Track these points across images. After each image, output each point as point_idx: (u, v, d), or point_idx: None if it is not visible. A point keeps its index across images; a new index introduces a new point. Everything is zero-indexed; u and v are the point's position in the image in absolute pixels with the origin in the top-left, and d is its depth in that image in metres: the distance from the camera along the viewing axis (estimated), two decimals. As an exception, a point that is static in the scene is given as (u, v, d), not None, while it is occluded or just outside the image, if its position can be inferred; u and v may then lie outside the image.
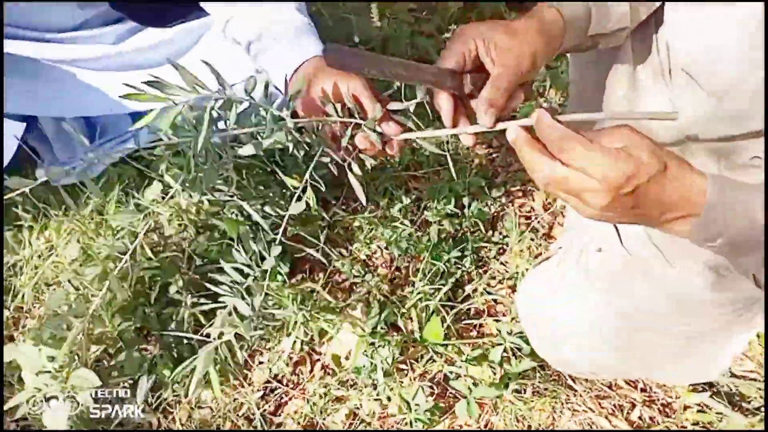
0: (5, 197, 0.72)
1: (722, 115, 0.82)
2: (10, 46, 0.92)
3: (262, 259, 0.80)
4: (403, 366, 1.06)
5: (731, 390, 1.08)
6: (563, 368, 1.04)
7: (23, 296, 1.13)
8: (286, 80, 0.85)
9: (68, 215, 1.18)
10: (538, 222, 1.33)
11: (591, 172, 0.60)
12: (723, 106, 0.81)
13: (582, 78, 1.07)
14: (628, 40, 0.93)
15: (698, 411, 1.04)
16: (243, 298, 0.78)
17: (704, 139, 0.86)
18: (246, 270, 0.79)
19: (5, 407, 0.92)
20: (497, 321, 1.13)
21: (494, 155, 1.44)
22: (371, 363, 1.02)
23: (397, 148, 0.76)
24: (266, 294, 1.05)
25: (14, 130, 0.75)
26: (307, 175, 0.77)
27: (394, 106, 0.76)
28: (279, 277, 1.11)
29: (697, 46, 0.82)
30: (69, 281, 1.04)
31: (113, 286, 0.78)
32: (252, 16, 0.94)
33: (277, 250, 0.79)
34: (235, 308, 0.78)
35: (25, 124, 0.76)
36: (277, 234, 0.79)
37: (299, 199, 0.78)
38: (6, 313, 1.12)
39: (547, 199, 1.38)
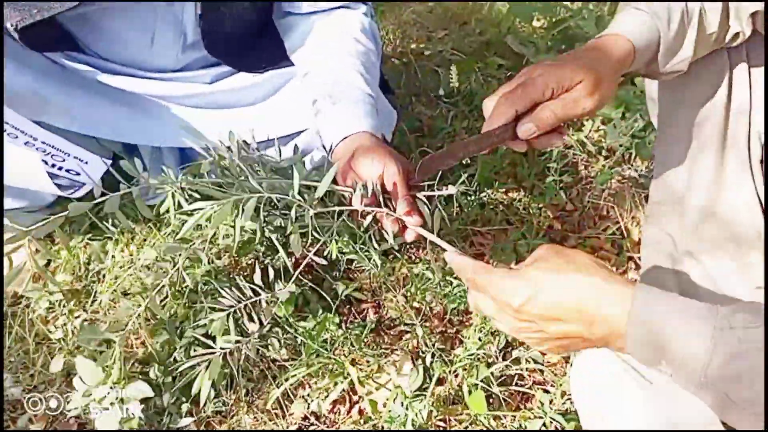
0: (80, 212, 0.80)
1: None
2: (118, 81, 1.03)
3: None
4: (441, 423, 1.05)
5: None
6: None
7: (100, 302, 1.24)
8: (330, 148, 0.90)
9: (151, 233, 1.28)
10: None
11: (491, 295, 0.64)
12: None
13: (668, 155, 1.03)
14: (719, 126, 0.90)
15: None
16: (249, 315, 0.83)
17: None
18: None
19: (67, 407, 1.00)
20: (545, 392, 1.09)
21: (566, 218, 1.41)
22: (406, 415, 1.02)
23: (412, 237, 0.79)
24: (314, 333, 1.09)
25: (98, 167, 0.84)
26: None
27: (422, 194, 0.80)
28: (331, 319, 1.13)
29: None
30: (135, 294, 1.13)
31: (152, 304, 0.84)
32: (322, 76, 1.00)
33: (289, 287, 0.84)
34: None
35: (109, 162, 0.85)
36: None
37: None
38: (84, 314, 1.22)
39: (617, 270, 1.32)
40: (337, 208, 0.81)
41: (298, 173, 0.76)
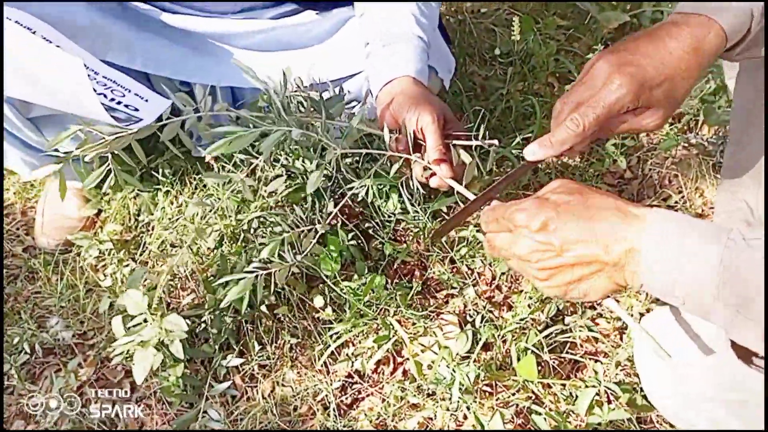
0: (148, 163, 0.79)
1: None
2: (178, 20, 1.02)
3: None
4: (487, 388, 1.02)
5: None
6: (675, 422, 0.93)
7: (149, 252, 1.24)
8: (369, 91, 0.87)
9: (201, 185, 1.27)
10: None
11: (512, 223, 0.63)
12: None
13: (747, 120, 0.95)
14: None
15: None
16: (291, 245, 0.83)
17: None
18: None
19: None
20: (596, 362, 1.05)
21: (624, 186, 1.34)
22: (452, 377, 0.99)
23: (435, 184, 0.79)
24: (360, 292, 1.07)
25: (158, 105, 0.83)
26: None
27: (458, 142, 0.76)
28: (377, 280, 1.11)
29: None
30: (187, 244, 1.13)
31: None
32: (377, 17, 0.96)
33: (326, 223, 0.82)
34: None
35: (170, 102, 0.83)
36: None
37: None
38: (132, 264, 1.24)
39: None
40: (364, 151, 0.78)
41: (328, 112, 0.74)
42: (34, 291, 1.22)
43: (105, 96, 0.80)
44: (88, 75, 0.77)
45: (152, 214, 1.29)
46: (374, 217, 1.18)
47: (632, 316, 1.10)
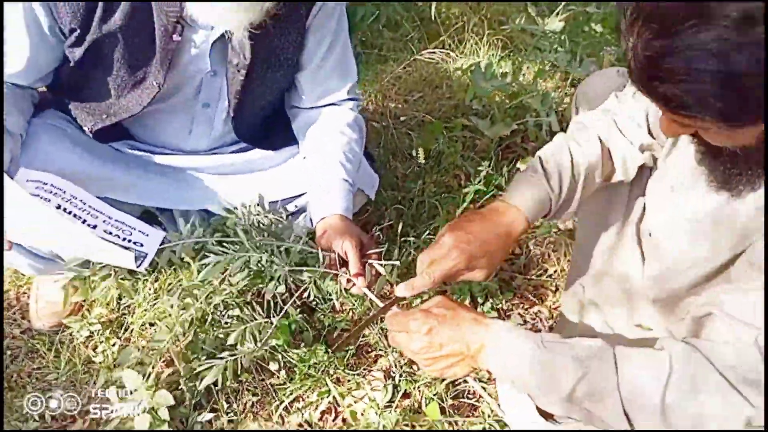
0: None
1: (666, 276, 1.09)
2: (164, 159, 1.34)
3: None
4: (405, 427, 1.34)
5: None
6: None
7: (131, 330, 1.51)
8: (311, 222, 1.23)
9: (175, 274, 1.56)
10: (542, 324, 1.58)
11: (409, 328, 0.95)
12: (670, 266, 1.08)
13: (584, 232, 1.35)
14: (622, 210, 1.22)
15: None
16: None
17: (655, 296, 1.13)
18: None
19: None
20: (487, 403, 1.39)
21: (514, 261, 1.72)
22: (379, 421, 1.31)
23: (357, 291, 1.11)
24: (306, 358, 1.38)
25: (157, 238, 1.12)
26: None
27: (374, 263, 1.12)
28: (319, 350, 1.42)
29: (660, 223, 1.11)
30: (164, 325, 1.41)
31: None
32: (313, 166, 1.30)
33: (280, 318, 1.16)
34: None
35: (163, 234, 1.14)
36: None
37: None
38: (117, 342, 1.50)
39: (553, 305, 1.63)
40: (305, 269, 1.11)
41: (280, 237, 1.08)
42: (35, 368, 1.47)
43: (119, 237, 1.09)
44: (104, 220, 1.06)
45: (132, 299, 1.56)
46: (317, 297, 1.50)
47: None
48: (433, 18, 2.24)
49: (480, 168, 1.67)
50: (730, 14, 0.66)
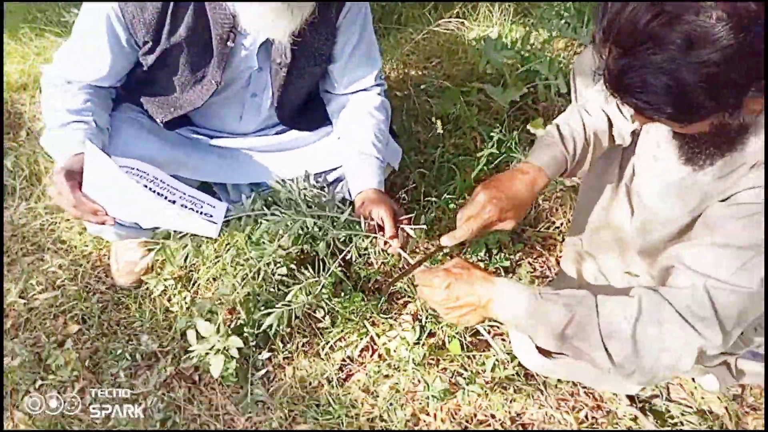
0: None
1: (648, 229, 1.31)
2: (220, 142, 1.58)
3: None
4: (431, 361, 1.61)
5: (662, 409, 1.52)
6: (543, 372, 1.53)
7: (198, 285, 1.79)
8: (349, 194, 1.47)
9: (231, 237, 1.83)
10: (550, 272, 1.82)
11: (434, 284, 1.16)
12: (650, 220, 1.30)
13: (585, 191, 1.56)
14: (616, 172, 1.43)
15: (630, 419, 1.50)
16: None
17: (640, 246, 1.35)
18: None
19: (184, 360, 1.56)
20: (503, 340, 1.64)
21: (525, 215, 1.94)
22: (409, 356, 1.58)
23: (392, 251, 1.34)
24: (346, 305, 1.64)
25: (222, 209, 1.36)
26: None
27: (406, 227, 1.35)
28: (357, 298, 1.68)
29: (645, 185, 1.31)
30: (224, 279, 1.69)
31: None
32: (348, 145, 1.52)
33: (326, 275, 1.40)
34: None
35: (227, 205, 1.38)
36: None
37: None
38: (188, 294, 1.79)
39: (559, 254, 1.86)
40: (351, 233, 1.35)
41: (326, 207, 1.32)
42: (122, 317, 1.77)
43: (193, 210, 1.33)
44: (180, 196, 1.31)
45: (197, 258, 1.84)
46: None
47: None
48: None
49: (492, 134, 1.86)
50: (675, 40, 0.85)
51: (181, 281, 1.81)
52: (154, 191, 1.32)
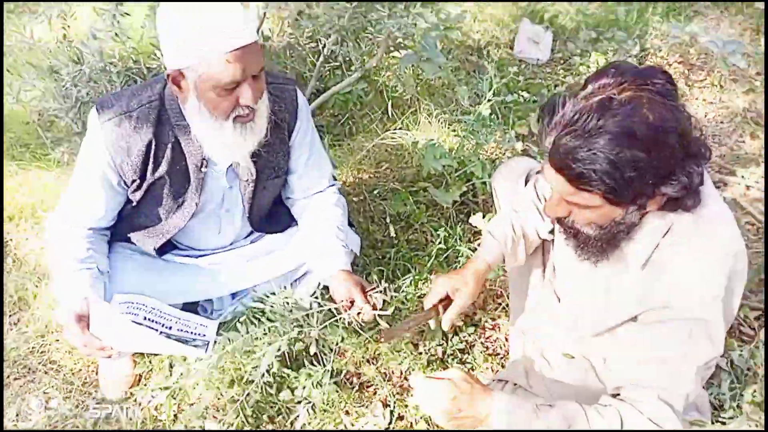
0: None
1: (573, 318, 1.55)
2: (203, 261, 1.81)
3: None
4: (402, 442, 1.79)
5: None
6: None
7: (188, 394, 1.95)
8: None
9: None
10: (501, 348, 2.05)
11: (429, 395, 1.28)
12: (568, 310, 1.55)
13: (514, 279, 1.82)
14: (540, 270, 1.69)
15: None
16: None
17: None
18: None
19: None
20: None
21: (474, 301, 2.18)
22: (381, 439, 1.76)
23: (367, 318, 1.56)
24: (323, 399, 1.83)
25: (214, 328, 1.57)
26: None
27: (377, 298, 1.58)
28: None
29: (564, 277, 1.57)
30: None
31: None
32: (313, 239, 1.77)
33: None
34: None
35: (217, 323, 1.59)
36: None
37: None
38: (173, 401, 1.94)
39: (508, 332, 2.10)
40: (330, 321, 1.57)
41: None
42: (112, 429, 1.90)
43: (188, 332, 1.53)
44: (176, 322, 1.51)
45: (182, 367, 2.00)
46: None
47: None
48: (389, 109, 2.74)
49: (438, 231, 2.14)
50: (612, 130, 1.05)
51: (168, 390, 1.97)
52: (152, 320, 1.52)
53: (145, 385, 1.98)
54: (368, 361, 1.99)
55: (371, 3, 2.17)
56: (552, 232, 1.63)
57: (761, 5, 3.38)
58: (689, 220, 1.23)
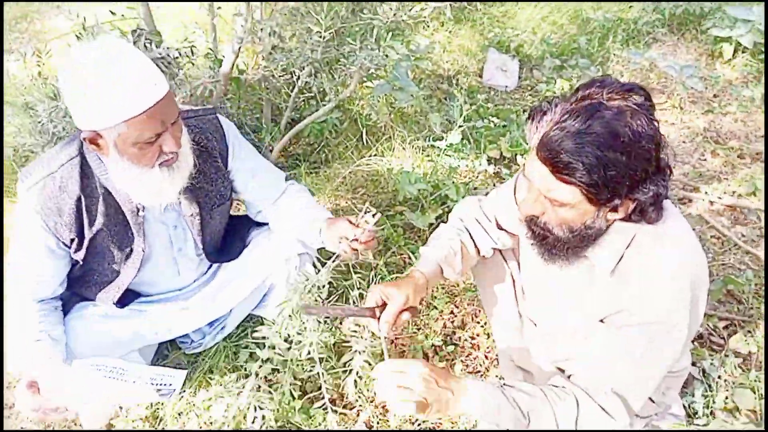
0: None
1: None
2: (167, 306, 1.83)
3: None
4: (386, 463, 1.80)
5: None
6: None
7: (166, 421, 1.94)
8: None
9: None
10: (481, 366, 2.08)
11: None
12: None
13: (484, 294, 1.86)
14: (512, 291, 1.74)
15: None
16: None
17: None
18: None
19: None
20: (445, 434, 1.86)
21: (453, 320, 2.22)
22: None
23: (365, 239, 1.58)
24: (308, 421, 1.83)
25: (180, 377, 1.53)
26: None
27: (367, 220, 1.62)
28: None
29: (534, 293, 1.62)
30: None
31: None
32: (298, 216, 1.81)
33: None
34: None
35: (185, 372, 1.57)
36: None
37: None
38: (157, 432, 1.92)
39: (487, 349, 2.13)
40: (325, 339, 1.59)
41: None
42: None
43: (152, 385, 1.49)
44: (140, 376, 1.47)
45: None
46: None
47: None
48: (363, 136, 2.80)
49: (416, 254, 2.18)
50: (600, 131, 1.12)
51: (148, 420, 1.95)
52: (114, 378, 1.47)
53: (126, 416, 1.97)
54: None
55: (343, 37, 2.25)
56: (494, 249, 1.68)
57: (714, 31, 3.57)
58: (652, 232, 1.30)
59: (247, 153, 1.80)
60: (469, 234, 1.66)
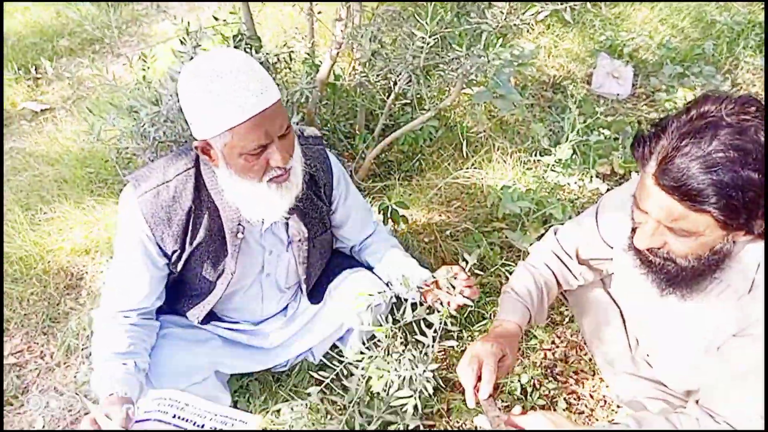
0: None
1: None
2: (246, 336, 1.79)
3: None
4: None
5: None
6: None
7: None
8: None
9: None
10: (585, 406, 1.88)
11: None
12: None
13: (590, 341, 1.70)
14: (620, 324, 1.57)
15: None
16: None
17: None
18: None
19: None
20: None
21: (554, 351, 2.04)
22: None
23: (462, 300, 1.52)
24: None
25: (255, 422, 1.41)
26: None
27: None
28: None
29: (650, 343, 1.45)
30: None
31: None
32: (385, 261, 1.78)
33: None
34: None
35: (260, 418, 1.50)
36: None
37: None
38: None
39: (592, 388, 1.93)
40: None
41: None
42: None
43: (224, 426, 1.42)
44: (211, 418, 1.39)
45: None
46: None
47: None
48: (463, 146, 2.65)
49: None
50: (729, 150, 1.02)
51: None
52: (183, 418, 1.38)
53: None
54: (440, 415, 1.87)
55: (446, 42, 2.12)
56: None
57: None
58: None
59: (349, 189, 1.78)
60: (552, 272, 1.57)
